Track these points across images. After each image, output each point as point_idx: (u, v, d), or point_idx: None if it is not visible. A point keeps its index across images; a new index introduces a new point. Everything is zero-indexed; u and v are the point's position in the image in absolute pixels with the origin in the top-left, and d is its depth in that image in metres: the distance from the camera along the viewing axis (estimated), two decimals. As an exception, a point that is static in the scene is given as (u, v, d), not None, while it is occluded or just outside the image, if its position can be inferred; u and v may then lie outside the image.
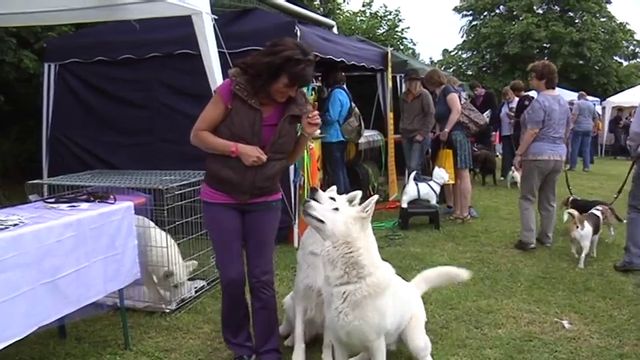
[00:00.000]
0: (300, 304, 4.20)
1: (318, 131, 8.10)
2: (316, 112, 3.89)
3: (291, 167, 7.33)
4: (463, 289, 5.88)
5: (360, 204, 3.71)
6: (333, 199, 4.04)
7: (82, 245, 3.88)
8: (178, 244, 5.29)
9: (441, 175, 8.77)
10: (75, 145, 8.40)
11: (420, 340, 4.00)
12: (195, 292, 5.51)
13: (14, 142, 12.80)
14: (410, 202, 8.78)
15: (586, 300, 5.59)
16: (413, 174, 8.94)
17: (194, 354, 4.40)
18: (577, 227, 6.82)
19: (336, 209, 3.49)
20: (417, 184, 8.76)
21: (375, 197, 3.50)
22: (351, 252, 3.42)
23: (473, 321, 5.03)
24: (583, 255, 6.74)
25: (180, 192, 5.08)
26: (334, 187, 4.38)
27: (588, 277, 6.27)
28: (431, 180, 8.89)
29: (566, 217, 7.40)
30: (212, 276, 5.84)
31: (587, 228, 6.80)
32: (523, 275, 6.38)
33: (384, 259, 6.58)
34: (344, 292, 3.45)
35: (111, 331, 4.78)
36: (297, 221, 7.49)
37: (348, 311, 3.46)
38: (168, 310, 5.11)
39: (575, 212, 7.09)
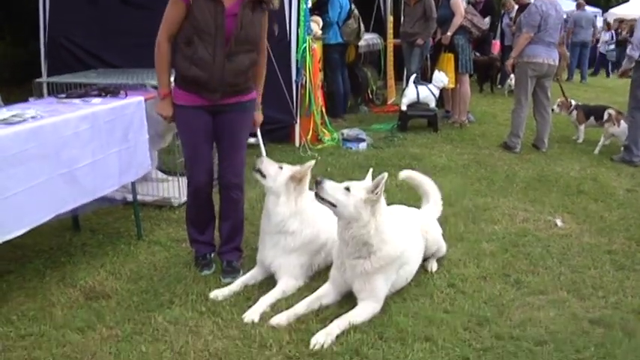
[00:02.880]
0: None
1: (320, 32, 8.08)
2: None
3: (293, 67, 7.39)
4: (461, 187, 6.10)
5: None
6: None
7: (97, 138, 3.99)
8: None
9: (441, 78, 8.79)
10: (75, 46, 8.25)
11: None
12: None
13: (9, 46, 12.57)
14: (409, 105, 8.86)
15: (579, 202, 5.80)
16: (413, 77, 8.97)
17: (204, 243, 4.60)
18: (614, 124, 7.73)
19: (347, 189, 3.49)
20: (416, 87, 8.81)
21: (385, 175, 3.47)
22: (361, 233, 3.51)
23: (470, 217, 5.25)
24: (622, 148, 7.59)
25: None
26: None
27: (582, 181, 6.48)
28: (430, 84, 8.93)
29: (606, 116, 8.06)
30: (217, 172, 5.95)
31: (623, 125, 7.69)
32: (519, 177, 6.58)
33: (384, 159, 6.82)
34: (355, 265, 3.59)
35: (123, 224, 4.98)
36: (298, 120, 7.62)
37: (354, 278, 3.62)
38: (176, 204, 5.28)
39: (612, 111, 7.89)
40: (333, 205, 3.50)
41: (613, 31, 19.22)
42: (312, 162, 4.03)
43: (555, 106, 8.56)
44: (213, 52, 3.65)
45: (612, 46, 19.15)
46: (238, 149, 4.03)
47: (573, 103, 8.65)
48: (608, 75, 18.88)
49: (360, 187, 3.50)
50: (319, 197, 3.54)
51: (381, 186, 3.45)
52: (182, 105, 3.85)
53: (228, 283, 3.94)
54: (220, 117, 3.89)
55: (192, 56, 3.67)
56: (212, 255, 4.23)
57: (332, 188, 3.51)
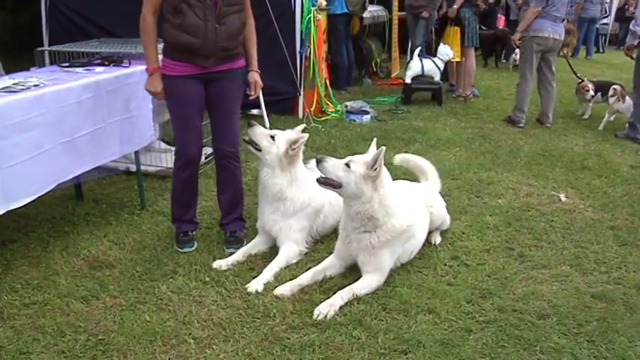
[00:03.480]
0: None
1: (324, 2, 8.00)
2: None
3: (297, 38, 7.31)
4: (465, 161, 6.10)
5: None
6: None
7: (100, 107, 3.97)
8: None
9: (446, 51, 8.69)
10: (76, 15, 8.17)
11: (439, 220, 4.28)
12: (206, 158, 5.64)
13: (9, 15, 12.40)
14: (413, 78, 8.79)
15: (582, 177, 5.79)
16: (417, 50, 8.87)
17: (208, 213, 4.61)
18: (619, 100, 7.67)
19: (348, 165, 3.46)
20: (421, 60, 8.73)
21: (383, 149, 3.42)
22: (365, 209, 3.50)
23: (474, 190, 5.26)
24: (627, 125, 7.52)
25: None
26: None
27: (586, 157, 6.46)
28: (435, 57, 8.85)
29: (612, 91, 7.93)
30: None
31: (628, 101, 7.66)
32: (523, 152, 6.56)
33: (388, 132, 6.80)
34: (361, 239, 3.59)
35: (126, 194, 4.97)
36: (302, 92, 7.57)
37: (359, 252, 3.63)
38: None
39: (618, 87, 7.77)
40: (337, 187, 3.50)
41: (606, 5, 18.87)
42: (306, 135, 3.98)
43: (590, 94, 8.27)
44: (204, 17, 3.58)
45: (605, 20, 18.81)
46: (232, 118, 3.98)
47: (587, 81, 8.48)
48: (602, 50, 18.55)
49: (360, 163, 3.47)
50: (321, 182, 3.54)
51: (380, 161, 3.42)
52: (173, 76, 3.75)
53: (232, 253, 3.94)
54: (213, 85, 3.82)
55: (181, 24, 3.59)
56: (194, 232, 4.20)
57: (333, 166, 3.50)
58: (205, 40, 3.62)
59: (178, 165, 3.97)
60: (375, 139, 3.72)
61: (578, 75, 8.72)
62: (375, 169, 3.44)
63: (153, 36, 3.71)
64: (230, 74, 3.84)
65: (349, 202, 3.54)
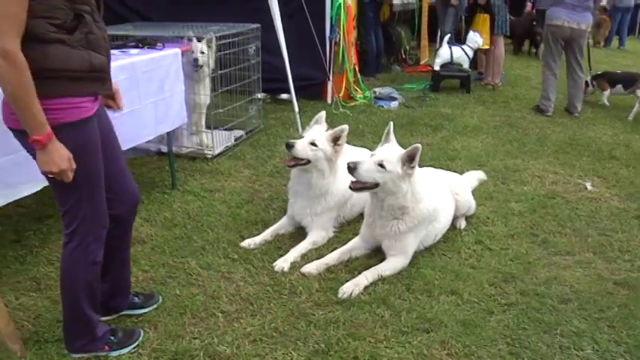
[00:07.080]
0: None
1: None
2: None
3: (327, 24, 7.37)
4: (492, 148, 6.12)
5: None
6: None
7: (135, 88, 4.05)
8: (215, 96, 5.47)
9: (476, 39, 8.66)
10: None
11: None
12: (235, 140, 5.76)
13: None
14: (442, 66, 8.79)
15: (610, 167, 5.77)
16: (447, 37, 8.86)
17: (237, 194, 4.71)
18: None
19: (382, 166, 3.45)
20: (450, 48, 8.72)
21: (419, 146, 3.41)
22: (399, 202, 3.55)
23: (500, 177, 5.27)
24: None
25: (223, 42, 5.21)
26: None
27: (614, 147, 6.43)
28: (464, 44, 8.83)
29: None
30: (250, 126, 6.12)
31: None
32: (550, 140, 6.55)
33: (416, 119, 6.82)
34: (387, 225, 3.64)
35: (157, 174, 5.09)
36: (331, 77, 7.62)
37: (383, 236, 3.70)
38: (209, 156, 5.38)
39: None
40: (372, 188, 3.52)
41: None
42: (346, 127, 3.97)
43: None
44: (99, 23, 2.56)
45: None
46: (124, 157, 3.00)
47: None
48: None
49: (394, 161, 3.46)
50: (357, 188, 3.56)
51: (417, 158, 3.45)
52: (80, 121, 2.49)
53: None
54: (102, 117, 2.76)
55: (86, 38, 2.44)
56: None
57: (367, 170, 3.47)
58: (108, 55, 2.61)
59: (96, 249, 2.72)
60: (391, 124, 3.73)
61: (592, 71, 8.63)
62: (413, 167, 3.48)
63: (31, 79, 2.24)
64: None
65: (383, 196, 3.58)
